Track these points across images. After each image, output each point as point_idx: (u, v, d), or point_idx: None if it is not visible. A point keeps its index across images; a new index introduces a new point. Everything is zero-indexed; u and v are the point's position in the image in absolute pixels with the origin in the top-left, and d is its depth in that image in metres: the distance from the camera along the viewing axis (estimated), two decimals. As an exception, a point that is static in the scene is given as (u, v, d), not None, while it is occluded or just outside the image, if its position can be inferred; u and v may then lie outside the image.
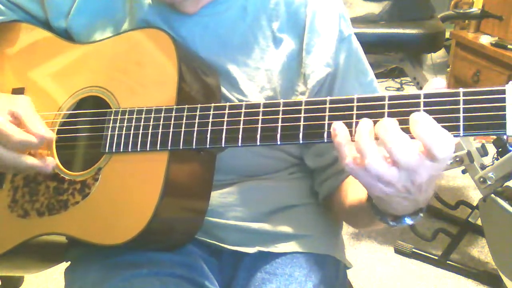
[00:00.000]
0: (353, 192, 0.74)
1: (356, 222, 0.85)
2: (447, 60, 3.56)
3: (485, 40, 2.36)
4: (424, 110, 0.51)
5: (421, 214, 0.60)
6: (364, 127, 0.51)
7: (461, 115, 0.50)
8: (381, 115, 0.53)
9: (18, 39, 0.84)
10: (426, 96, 0.52)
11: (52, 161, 0.72)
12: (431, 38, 1.89)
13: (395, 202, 0.56)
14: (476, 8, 2.26)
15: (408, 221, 0.60)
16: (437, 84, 0.52)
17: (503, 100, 0.49)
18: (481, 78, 2.34)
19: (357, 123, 0.54)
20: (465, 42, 2.48)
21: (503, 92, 0.49)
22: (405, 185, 0.52)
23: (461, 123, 0.50)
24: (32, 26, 0.85)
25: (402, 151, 0.49)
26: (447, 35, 2.41)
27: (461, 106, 0.50)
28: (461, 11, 2.29)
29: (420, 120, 0.49)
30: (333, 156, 0.78)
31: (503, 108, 0.48)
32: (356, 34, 0.80)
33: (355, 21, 1.86)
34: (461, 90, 0.51)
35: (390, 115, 0.53)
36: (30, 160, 0.70)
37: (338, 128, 0.53)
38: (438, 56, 3.66)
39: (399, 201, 0.55)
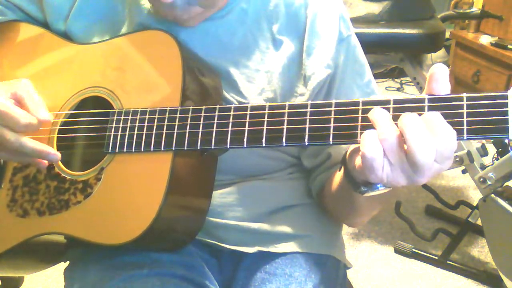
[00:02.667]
0: (336, 178, 0.74)
1: (341, 208, 0.82)
2: (447, 60, 3.56)
3: (485, 40, 2.36)
4: None
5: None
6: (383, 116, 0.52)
7: (465, 119, 0.51)
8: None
9: (19, 39, 0.84)
10: (430, 100, 0.53)
11: (56, 152, 0.72)
12: (431, 38, 1.89)
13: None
14: (476, 8, 2.26)
15: (381, 188, 0.59)
16: (439, 70, 0.52)
17: (505, 105, 0.50)
18: (481, 78, 2.34)
19: (362, 127, 0.55)
20: (465, 42, 2.48)
21: (506, 97, 0.50)
22: (406, 179, 0.53)
23: (465, 127, 0.51)
24: (33, 25, 0.84)
25: (423, 150, 0.50)
26: (447, 35, 2.41)
27: (465, 110, 0.51)
28: (461, 11, 2.29)
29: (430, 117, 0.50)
30: (326, 154, 0.79)
31: (506, 113, 0.49)
32: (356, 34, 0.81)
33: (355, 21, 1.86)
34: (464, 95, 0.52)
35: (395, 118, 0.53)
36: (36, 144, 0.70)
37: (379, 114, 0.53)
38: (438, 56, 3.66)
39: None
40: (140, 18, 0.77)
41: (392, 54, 2.03)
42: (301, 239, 0.81)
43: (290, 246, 0.80)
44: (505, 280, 1.57)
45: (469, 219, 1.79)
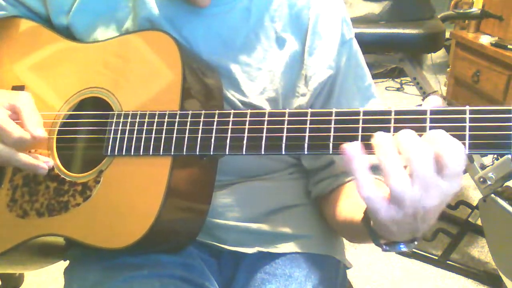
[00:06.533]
0: (347, 206, 0.73)
1: (345, 235, 0.83)
2: (447, 60, 3.56)
3: (485, 40, 2.36)
4: (430, 127, 0.51)
5: (416, 242, 0.57)
6: (387, 142, 0.49)
7: (467, 133, 0.50)
8: (387, 130, 0.53)
9: (20, 35, 0.84)
10: (433, 112, 0.52)
11: (48, 161, 0.73)
12: (431, 38, 1.89)
13: (397, 227, 0.53)
14: (476, 8, 2.26)
15: (403, 248, 0.57)
16: (433, 102, 0.52)
17: (509, 119, 0.49)
18: (481, 78, 2.33)
19: (362, 137, 0.54)
20: (465, 42, 2.48)
21: (509, 111, 0.49)
22: (415, 208, 0.50)
23: (467, 141, 0.50)
24: (34, 22, 0.84)
25: (421, 160, 0.47)
26: (447, 35, 2.41)
27: (467, 124, 0.50)
28: (461, 11, 2.29)
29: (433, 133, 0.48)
30: (328, 159, 0.78)
31: (509, 128, 0.48)
32: (356, 34, 0.81)
33: (355, 21, 1.86)
34: (467, 108, 0.50)
35: (396, 130, 0.52)
36: (26, 158, 0.71)
37: (352, 151, 0.49)
38: (438, 56, 3.66)
39: (400, 227, 0.53)
40: (145, 12, 0.77)
41: (392, 54, 2.03)
42: (301, 239, 0.81)
43: (290, 247, 0.80)
44: (505, 280, 1.57)
45: (469, 219, 1.79)
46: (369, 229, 0.59)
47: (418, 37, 1.86)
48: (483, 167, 1.68)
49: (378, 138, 0.49)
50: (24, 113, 0.71)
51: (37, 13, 0.85)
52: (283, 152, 0.59)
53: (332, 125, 0.56)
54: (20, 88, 0.81)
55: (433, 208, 0.50)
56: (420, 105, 0.54)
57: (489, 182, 1.59)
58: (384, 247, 0.58)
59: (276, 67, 0.76)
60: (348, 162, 0.49)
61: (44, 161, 0.73)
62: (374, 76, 0.83)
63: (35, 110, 0.74)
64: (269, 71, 0.76)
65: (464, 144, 0.50)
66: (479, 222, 1.74)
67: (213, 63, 0.76)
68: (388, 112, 0.54)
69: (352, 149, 0.49)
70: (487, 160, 1.73)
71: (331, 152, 0.56)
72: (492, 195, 1.60)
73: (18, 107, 0.71)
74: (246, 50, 0.76)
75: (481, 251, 1.94)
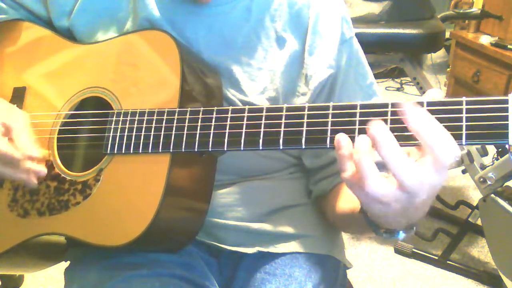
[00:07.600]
0: (346, 199, 0.74)
1: (347, 229, 0.85)
2: (447, 60, 3.56)
3: (485, 40, 2.36)
4: None
5: (414, 228, 0.59)
6: (363, 145, 0.50)
7: (464, 124, 0.50)
8: (384, 123, 0.53)
9: (21, 38, 0.84)
10: (429, 104, 0.52)
11: (40, 171, 0.72)
12: (431, 38, 1.90)
13: (391, 219, 0.56)
14: (476, 8, 2.27)
15: (402, 235, 0.59)
16: (434, 95, 0.53)
17: (506, 109, 0.49)
18: (481, 78, 2.33)
19: (360, 130, 0.54)
20: (465, 42, 2.48)
21: (506, 101, 0.49)
22: (404, 206, 0.52)
23: (464, 132, 0.50)
24: (35, 25, 0.84)
25: (408, 176, 0.48)
26: (447, 35, 2.41)
27: (464, 115, 0.50)
28: (461, 11, 2.29)
29: (425, 122, 0.48)
30: (330, 157, 0.79)
31: (506, 118, 0.49)
32: (356, 34, 0.81)
33: (355, 21, 1.87)
34: (464, 99, 0.51)
35: (393, 122, 0.53)
36: (12, 173, 0.70)
37: (342, 141, 0.52)
38: (438, 56, 3.67)
39: (395, 218, 0.55)
40: (145, 13, 0.77)
41: (392, 54, 2.04)
42: (301, 239, 0.81)
43: (290, 246, 0.80)
44: (505, 280, 1.58)
45: (469, 219, 1.79)
46: (366, 219, 0.61)
47: (418, 37, 1.87)
48: (483, 167, 1.68)
49: (375, 131, 0.50)
50: (16, 132, 0.71)
51: (38, 16, 0.85)
52: (281, 147, 0.59)
53: (330, 119, 0.57)
54: (22, 89, 0.81)
55: (421, 203, 0.52)
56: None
57: (489, 182, 1.59)
58: (384, 235, 0.60)
59: (276, 66, 0.76)
60: (336, 150, 0.53)
61: (37, 170, 0.72)
62: (374, 76, 0.83)
63: (28, 130, 0.73)
64: (269, 71, 0.76)
65: (460, 135, 0.50)
66: (479, 222, 1.74)
67: (214, 63, 0.76)
68: (385, 105, 0.54)
69: (341, 138, 0.52)
70: (487, 160, 1.72)
71: (328, 146, 0.57)
72: (492, 195, 1.60)
73: (10, 125, 0.71)
74: (247, 50, 0.77)
75: (481, 251, 1.94)
